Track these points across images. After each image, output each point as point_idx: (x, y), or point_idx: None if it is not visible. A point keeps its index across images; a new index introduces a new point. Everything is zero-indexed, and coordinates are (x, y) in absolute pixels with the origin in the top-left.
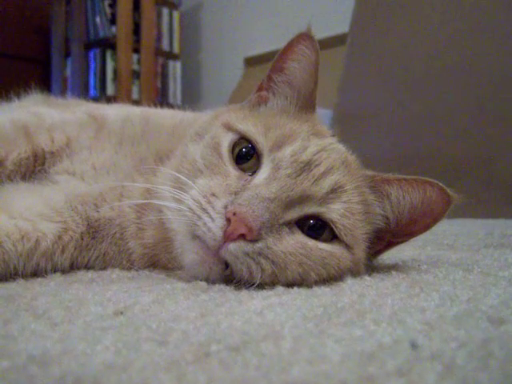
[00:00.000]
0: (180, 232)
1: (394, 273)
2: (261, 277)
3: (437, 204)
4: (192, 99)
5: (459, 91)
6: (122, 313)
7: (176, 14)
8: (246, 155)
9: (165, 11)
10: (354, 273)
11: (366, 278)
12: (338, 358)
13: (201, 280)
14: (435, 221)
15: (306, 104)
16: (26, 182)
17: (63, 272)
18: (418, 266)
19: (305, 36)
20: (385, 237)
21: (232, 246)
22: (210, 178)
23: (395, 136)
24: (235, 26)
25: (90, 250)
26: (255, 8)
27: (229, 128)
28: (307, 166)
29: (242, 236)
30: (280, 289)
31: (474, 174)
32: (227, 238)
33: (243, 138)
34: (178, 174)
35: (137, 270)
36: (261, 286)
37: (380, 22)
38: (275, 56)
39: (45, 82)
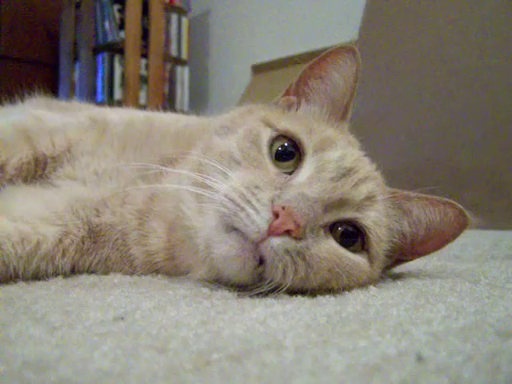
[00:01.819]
0: (208, 225)
1: (399, 283)
2: (292, 279)
3: (453, 225)
4: (199, 105)
5: (468, 99)
6: (122, 318)
7: (185, 20)
8: (283, 153)
9: (174, 17)
10: (364, 286)
11: (371, 287)
12: (342, 370)
13: (227, 278)
14: (447, 242)
15: (342, 114)
16: (28, 185)
17: (65, 276)
18: (424, 276)
19: (348, 49)
20: (395, 254)
21: (275, 241)
22: (250, 171)
23: (401, 143)
24: (243, 33)
25: (92, 254)
26: (263, 16)
27: (268, 124)
28: (348, 171)
29: (287, 232)
30: (284, 297)
31: (481, 184)
32: (272, 232)
33: (282, 136)
34: (211, 162)
35: (139, 276)
36: (266, 295)
37: (389, 28)
38: (311, 62)
39: (53, 85)
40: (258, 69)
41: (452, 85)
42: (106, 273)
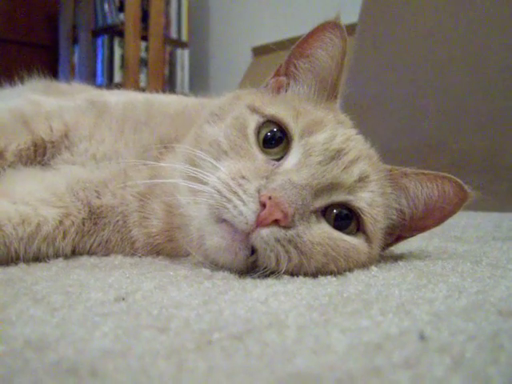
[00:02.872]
0: (201, 215)
1: (400, 263)
2: (286, 266)
3: (452, 200)
4: (200, 88)
5: (468, 83)
6: (123, 299)
7: (185, 2)
8: (271, 139)
9: None
10: (365, 266)
11: (373, 268)
12: (344, 349)
13: (222, 266)
14: (447, 216)
15: (330, 93)
16: (28, 168)
17: (65, 257)
18: (426, 257)
19: (334, 24)
20: (395, 231)
21: (264, 232)
22: (237, 160)
23: (402, 127)
24: (244, 15)
25: (92, 236)
26: None
27: (254, 110)
28: (337, 153)
29: (276, 222)
30: (285, 277)
31: (481, 167)
32: (260, 222)
33: (270, 122)
34: (200, 153)
35: (140, 257)
36: (267, 275)
37: (389, 11)
38: (298, 41)
39: (52, 68)
40: (258, 51)
41: (454, 68)
42: (106, 255)
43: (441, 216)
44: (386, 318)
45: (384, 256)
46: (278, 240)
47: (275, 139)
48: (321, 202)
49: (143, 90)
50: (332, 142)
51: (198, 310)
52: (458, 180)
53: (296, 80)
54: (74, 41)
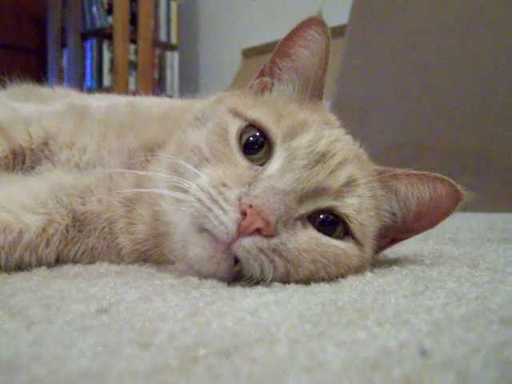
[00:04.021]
0: (183, 224)
1: (395, 268)
2: (272, 275)
3: (445, 201)
4: (189, 90)
5: (461, 82)
6: (106, 310)
7: (174, 4)
8: (253, 144)
9: (162, 1)
10: (359, 271)
11: (367, 273)
12: (339, 366)
13: (205, 276)
14: (442, 218)
15: (315, 92)
16: (8, 174)
17: (49, 266)
18: (421, 260)
19: (315, 21)
20: (389, 233)
21: (246, 241)
22: (218, 167)
23: (395, 127)
24: (233, 17)
25: (77, 243)
26: (253, 0)
27: (236, 114)
28: (322, 156)
29: (258, 231)
30: (276, 285)
31: (475, 167)
32: (241, 232)
33: (251, 126)
34: (181, 161)
35: (126, 265)
36: (258, 283)
37: (380, 12)
38: (281, 40)
39: (41, 72)
40: (248, 53)
41: (447, 67)
42: (91, 262)
43: (435, 218)
44: (383, 329)
45: (378, 260)
46: (260, 249)
47: (258, 144)
48: (306, 208)
49: (133, 93)
50: (317, 145)
51: (184, 323)
52: (451, 180)
53: (280, 80)
54: (63, 44)
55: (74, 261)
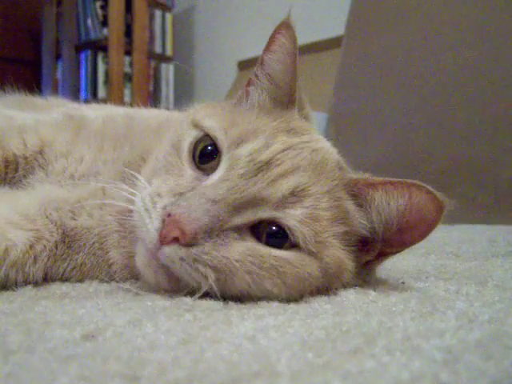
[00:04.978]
0: (131, 234)
1: (400, 286)
2: (206, 284)
3: (427, 210)
4: (185, 103)
5: (459, 94)
6: (93, 336)
7: (169, 16)
8: (211, 154)
9: (157, 13)
10: (335, 281)
11: (371, 292)
12: None
13: (154, 288)
14: (429, 229)
15: (285, 99)
16: None
17: (36, 284)
18: (426, 278)
19: (283, 25)
20: (375, 246)
21: (166, 250)
22: (166, 179)
23: (392, 138)
24: (228, 29)
25: (66, 260)
26: (249, 11)
27: (195, 125)
28: (265, 165)
29: (177, 240)
30: (274, 306)
31: (476, 179)
32: (161, 241)
33: (207, 135)
34: (136, 174)
35: (117, 282)
36: (249, 302)
37: (375, 23)
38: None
39: (35, 84)
40: (243, 65)
41: (445, 77)
42: (80, 280)
43: (421, 229)
44: (394, 358)
45: (381, 277)
46: (182, 258)
47: (211, 153)
48: (242, 219)
49: (128, 105)
50: (260, 153)
51: (176, 352)
52: (428, 186)
53: (256, 88)
54: (57, 56)
55: (63, 278)
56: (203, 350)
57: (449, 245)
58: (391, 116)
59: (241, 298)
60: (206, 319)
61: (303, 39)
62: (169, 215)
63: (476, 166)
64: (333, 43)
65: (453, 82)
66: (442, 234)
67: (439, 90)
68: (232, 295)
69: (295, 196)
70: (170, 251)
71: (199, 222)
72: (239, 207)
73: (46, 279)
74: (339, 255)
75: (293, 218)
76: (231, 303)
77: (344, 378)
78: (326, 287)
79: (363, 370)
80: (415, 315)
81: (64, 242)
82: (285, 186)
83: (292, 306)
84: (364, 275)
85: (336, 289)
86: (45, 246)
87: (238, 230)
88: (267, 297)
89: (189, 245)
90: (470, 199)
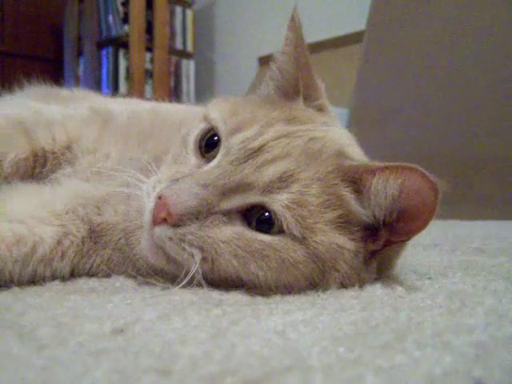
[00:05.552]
0: None
1: (426, 282)
2: (195, 264)
3: (423, 191)
4: (205, 98)
5: (482, 88)
6: (122, 331)
7: (189, 13)
8: (209, 143)
9: (178, 10)
10: (329, 268)
11: (398, 287)
12: None
13: (163, 271)
14: (428, 212)
15: (290, 89)
16: (24, 183)
17: (63, 279)
18: (453, 274)
19: (291, 17)
20: (379, 235)
21: (157, 230)
22: (171, 167)
23: (413, 133)
24: (249, 24)
25: (92, 256)
26: (269, 7)
27: (204, 118)
28: (255, 152)
29: (166, 220)
30: (301, 301)
31: (491, 175)
32: (153, 221)
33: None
34: (151, 165)
35: (144, 277)
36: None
37: (397, 17)
38: None
39: (57, 81)
40: (264, 60)
41: (467, 72)
42: (107, 275)
43: (424, 214)
44: (425, 354)
45: (406, 272)
46: (170, 238)
47: (214, 142)
48: (231, 203)
49: (149, 101)
50: (252, 141)
51: (207, 346)
52: (421, 169)
53: (265, 81)
54: (79, 53)
55: (90, 273)
56: (234, 345)
57: (473, 241)
58: (413, 111)
59: (236, 284)
60: (235, 314)
61: (324, 35)
62: (160, 198)
63: (495, 163)
64: (354, 38)
65: (477, 77)
66: (465, 230)
67: (464, 84)
68: (222, 279)
69: (283, 181)
70: (160, 231)
71: (185, 204)
72: (228, 192)
73: (73, 274)
74: (333, 241)
75: (278, 202)
76: (258, 298)
77: (376, 373)
78: (321, 274)
79: (394, 366)
80: (443, 311)
81: (91, 237)
82: (271, 171)
83: (319, 302)
84: (376, 268)
85: (335, 277)
86: (72, 242)
87: (228, 214)
88: (254, 281)
89: (176, 225)
90: (491, 196)
